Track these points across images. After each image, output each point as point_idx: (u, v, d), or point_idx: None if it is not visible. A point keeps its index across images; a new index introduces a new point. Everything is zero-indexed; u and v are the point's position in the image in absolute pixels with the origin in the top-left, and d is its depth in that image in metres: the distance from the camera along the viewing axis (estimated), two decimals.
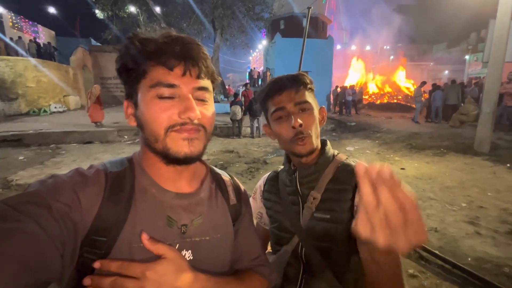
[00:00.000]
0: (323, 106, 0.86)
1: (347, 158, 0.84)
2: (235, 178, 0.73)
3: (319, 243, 0.77)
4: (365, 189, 0.36)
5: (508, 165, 5.02)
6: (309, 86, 0.80)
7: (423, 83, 10.96)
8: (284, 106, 0.77)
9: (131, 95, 0.54)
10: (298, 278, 0.81)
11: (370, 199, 0.36)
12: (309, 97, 0.79)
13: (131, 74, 0.52)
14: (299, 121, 0.75)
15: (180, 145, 0.51)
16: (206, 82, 0.54)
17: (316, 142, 0.80)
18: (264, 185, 0.96)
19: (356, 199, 0.73)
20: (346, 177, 0.78)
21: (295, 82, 0.78)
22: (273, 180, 0.94)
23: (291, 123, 0.75)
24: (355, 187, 0.75)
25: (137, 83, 0.52)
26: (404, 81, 23.41)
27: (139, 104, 0.52)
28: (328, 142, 0.86)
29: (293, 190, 0.84)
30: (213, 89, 0.60)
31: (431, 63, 31.57)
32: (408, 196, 0.35)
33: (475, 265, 2.31)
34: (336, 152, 0.86)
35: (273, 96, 0.79)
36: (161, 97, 0.50)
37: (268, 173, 0.99)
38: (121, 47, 0.52)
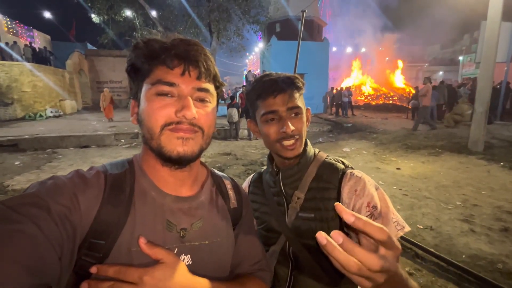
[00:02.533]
0: (309, 108, 0.86)
1: (327, 156, 0.85)
2: (236, 181, 0.73)
3: (306, 241, 0.78)
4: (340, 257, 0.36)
5: (502, 163, 5.09)
6: (301, 89, 0.80)
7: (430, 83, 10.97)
8: (277, 110, 0.76)
9: (136, 95, 0.55)
10: (288, 275, 0.82)
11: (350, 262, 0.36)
12: (300, 100, 0.79)
13: (138, 74, 0.53)
14: (292, 127, 0.75)
15: (174, 144, 0.50)
16: (207, 84, 0.54)
17: (302, 146, 0.81)
18: (249, 187, 0.96)
19: (343, 196, 0.75)
20: (329, 176, 0.79)
21: (289, 86, 0.77)
22: (257, 181, 0.94)
23: (282, 127, 0.75)
24: (339, 186, 0.76)
25: (141, 82, 0.53)
26: (401, 81, 23.69)
27: (140, 101, 0.53)
28: (309, 142, 0.87)
29: (278, 191, 0.85)
30: (218, 94, 0.59)
31: (426, 64, 31.94)
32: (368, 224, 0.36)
33: (469, 262, 2.35)
34: (316, 150, 0.88)
35: (265, 98, 0.78)
36: (160, 95, 0.51)
37: (252, 175, 1.00)
38: (131, 49, 0.54)
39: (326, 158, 0.84)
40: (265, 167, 0.99)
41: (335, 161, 0.83)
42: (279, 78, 0.78)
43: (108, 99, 10.89)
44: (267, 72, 0.83)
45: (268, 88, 0.77)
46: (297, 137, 0.77)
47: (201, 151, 0.55)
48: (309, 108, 0.87)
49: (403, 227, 0.71)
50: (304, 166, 0.82)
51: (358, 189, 0.74)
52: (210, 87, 0.55)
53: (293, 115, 0.77)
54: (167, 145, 0.50)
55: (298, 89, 0.79)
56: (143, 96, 0.52)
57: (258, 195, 0.91)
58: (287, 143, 0.77)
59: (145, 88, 0.52)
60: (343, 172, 0.78)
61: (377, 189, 0.75)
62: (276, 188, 0.85)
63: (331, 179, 0.78)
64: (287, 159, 0.81)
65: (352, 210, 0.73)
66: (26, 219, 0.38)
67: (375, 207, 0.71)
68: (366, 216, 0.70)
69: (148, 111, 0.51)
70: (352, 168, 0.82)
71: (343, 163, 0.83)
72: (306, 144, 0.85)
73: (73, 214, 0.45)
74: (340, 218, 0.74)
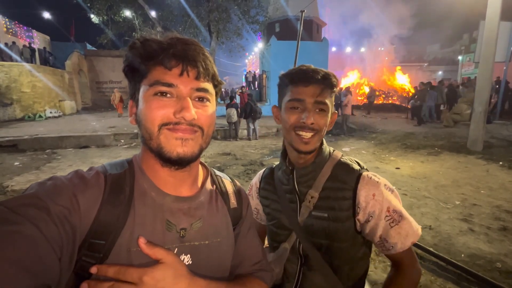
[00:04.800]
0: (336, 112, 0.84)
1: (342, 156, 0.84)
2: (235, 181, 0.72)
3: (318, 240, 0.78)
4: None
5: (501, 163, 5.11)
6: (334, 88, 0.78)
7: (429, 83, 11.01)
8: (304, 99, 0.75)
9: (134, 95, 0.55)
10: (296, 272, 0.83)
11: None
12: (329, 99, 0.77)
13: (135, 74, 0.53)
14: (312, 119, 0.74)
15: (173, 144, 0.50)
16: (206, 84, 0.53)
17: (319, 143, 0.80)
18: (260, 182, 0.96)
19: (359, 199, 0.74)
20: (344, 176, 0.78)
21: (324, 80, 0.76)
22: (269, 177, 0.94)
23: (303, 117, 0.74)
24: (355, 188, 0.76)
25: (139, 83, 0.53)
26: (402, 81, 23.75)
27: (138, 102, 0.53)
28: (324, 140, 0.85)
29: (291, 189, 0.84)
30: (217, 93, 0.58)
31: (425, 64, 31.99)
32: None
33: (468, 261, 2.36)
34: (331, 149, 0.87)
35: (297, 84, 0.77)
36: (158, 95, 0.50)
37: (263, 170, 0.99)
38: (127, 48, 0.53)
39: (341, 158, 0.83)
40: (265, 167, 0.99)
41: (350, 161, 0.82)
42: (317, 70, 0.77)
43: (117, 98, 12.83)
44: (306, 65, 0.81)
45: (303, 75, 0.76)
46: (315, 131, 0.76)
47: (201, 151, 0.54)
48: (336, 112, 0.85)
49: (418, 226, 0.76)
50: (319, 165, 0.81)
51: (376, 194, 0.74)
52: (209, 86, 0.55)
53: (318, 110, 0.76)
54: (166, 146, 0.50)
55: (331, 87, 0.77)
56: (141, 97, 0.52)
57: (269, 191, 0.91)
58: (304, 134, 0.75)
59: (143, 89, 0.52)
60: (360, 174, 0.77)
61: (392, 191, 0.76)
62: (289, 186, 0.84)
63: (346, 179, 0.77)
64: (299, 152, 0.79)
65: (369, 215, 0.74)
66: (25, 220, 0.39)
67: (395, 211, 0.73)
68: (386, 221, 0.72)
69: (146, 111, 0.51)
70: (367, 169, 0.81)
71: (358, 164, 0.82)
72: (322, 143, 0.84)
73: (73, 215, 0.45)
74: (355, 219, 0.77)
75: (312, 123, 0.74)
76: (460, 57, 24.52)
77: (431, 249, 2.48)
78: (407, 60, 31.70)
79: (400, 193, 3.91)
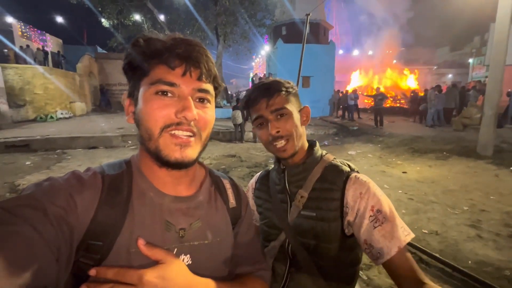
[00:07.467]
0: (306, 106, 0.87)
1: (334, 159, 0.86)
2: (234, 181, 0.73)
3: (306, 240, 0.80)
4: None
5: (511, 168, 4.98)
6: (284, 91, 0.81)
7: (438, 86, 10.87)
8: (262, 114, 0.80)
9: (133, 93, 0.54)
10: (284, 273, 0.84)
11: None
12: (286, 101, 0.81)
13: (135, 72, 0.52)
14: (276, 128, 0.79)
15: (172, 149, 0.50)
16: (207, 85, 0.53)
17: (299, 144, 0.82)
18: (256, 183, 0.99)
19: (347, 199, 0.76)
20: (334, 177, 0.80)
21: (268, 91, 0.81)
22: (264, 178, 0.97)
23: (269, 129, 0.79)
24: (343, 188, 0.77)
25: (139, 81, 0.52)
26: (411, 83, 23.46)
27: (138, 101, 0.52)
28: (317, 143, 0.89)
29: (282, 189, 0.87)
30: (216, 95, 0.59)
31: (435, 67, 31.52)
32: None
33: (475, 268, 2.31)
34: (324, 152, 0.89)
35: (251, 105, 0.83)
36: (160, 95, 0.50)
37: (260, 172, 1.03)
38: (129, 46, 0.53)
39: (332, 160, 0.85)
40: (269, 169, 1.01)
41: (341, 163, 0.84)
42: (261, 85, 0.83)
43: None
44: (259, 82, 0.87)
45: (251, 96, 0.83)
46: (287, 137, 0.79)
47: (199, 154, 0.55)
48: (307, 106, 0.87)
49: (409, 233, 0.72)
50: (310, 166, 0.83)
51: (363, 192, 0.75)
52: (210, 88, 0.55)
53: (278, 116, 0.80)
54: (165, 149, 0.50)
55: (279, 91, 0.81)
56: (141, 96, 0.51)
57: (263, 191, 0.94)
58: (277, 144, 0.80)
59: (144, 87, 0.51)
60: (348, 175, 0.79)
61: (381, 195, 0.75)
62: (281, 185, 0.87)
63: (335, 180, 0.79)
64: (283, 160, 0.85)
65: (356, 214, 0.74)
66: (21, 220, 0.38)
67: (379, 211, 0.72)
68: (370, 222, 0.72)
69: (147, 111, 0.50)
70: (357, 172, 0.83)
71: (349, 166, 0.84)
72: (314, 145, 0.87)
73: (70, 215, 0.44)
74: (342, 220, 0.78)
75: (277, 131, 0.79)
76: (471, 60, 24.10)
77: (437, 254, 2.43)
78: (416, 63, 31.29)
79: (406, 198, 3.85)
